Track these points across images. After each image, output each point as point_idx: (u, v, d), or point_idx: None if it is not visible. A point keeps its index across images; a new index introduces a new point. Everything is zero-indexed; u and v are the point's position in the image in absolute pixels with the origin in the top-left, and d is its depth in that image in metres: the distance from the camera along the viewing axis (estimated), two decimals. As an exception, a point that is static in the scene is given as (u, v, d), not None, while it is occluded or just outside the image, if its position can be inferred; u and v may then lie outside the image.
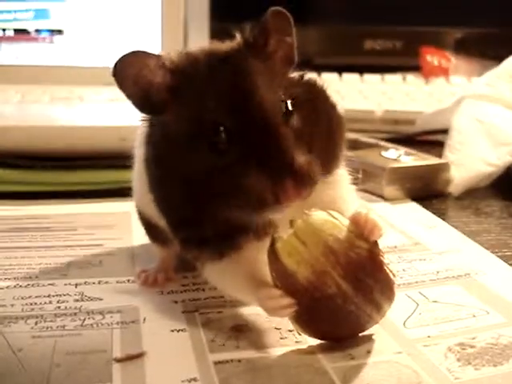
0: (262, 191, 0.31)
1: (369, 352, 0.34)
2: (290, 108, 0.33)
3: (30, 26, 0.82)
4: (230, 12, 1.02)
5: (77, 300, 0.39)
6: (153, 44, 0.81)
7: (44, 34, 0.82)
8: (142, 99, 0.34)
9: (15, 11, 0.81)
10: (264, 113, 0.32)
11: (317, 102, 0.36)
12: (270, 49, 0.35)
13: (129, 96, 0.34)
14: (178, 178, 0.33)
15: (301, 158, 0.31)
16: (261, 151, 0.31)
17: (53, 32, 0.82)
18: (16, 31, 0.81)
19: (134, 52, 0.33)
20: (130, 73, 0.33)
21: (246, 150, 0.31)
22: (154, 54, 0.33)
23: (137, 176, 0.40)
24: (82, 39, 0.82)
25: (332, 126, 0.36)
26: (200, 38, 0.90)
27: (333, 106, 0.37)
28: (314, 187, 0.32)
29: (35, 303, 0.39)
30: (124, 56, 0.33)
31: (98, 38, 0.82)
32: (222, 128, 0.32)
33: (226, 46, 0.36)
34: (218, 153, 0.32)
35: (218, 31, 0.92)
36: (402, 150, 0.65)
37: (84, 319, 0.37)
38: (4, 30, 0.81)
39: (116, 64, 0.33)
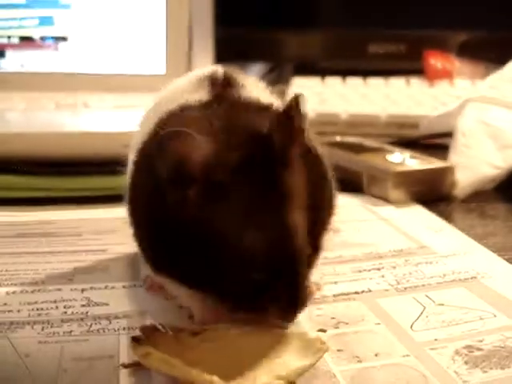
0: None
1: (376, 355, 0.34)
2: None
3: (35, 34, 0.82)
4: (235, 18, 1.02)
5: (83, 305, 0.39)
6: (157, 50, 0.81)
7: (49, 42, 0.82)
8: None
9: (20, 19, 0.81)
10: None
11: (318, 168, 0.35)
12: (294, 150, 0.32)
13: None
14: None
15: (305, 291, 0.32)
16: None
17: (57, 39, 0.82)
18: (21, 39, 0.82)
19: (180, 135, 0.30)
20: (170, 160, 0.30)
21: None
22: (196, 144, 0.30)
23: None
24: (87, 46, 0.82)
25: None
26: (204, 43, 0.90)
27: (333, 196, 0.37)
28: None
29: (41, 308, 0.39)
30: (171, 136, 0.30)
31: (102, 44, 0.82)
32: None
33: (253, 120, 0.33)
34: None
35: (223, 37, 0.93)
36: (407, 153, 0.65)
37: (91, 324, 0.37)
38: (9, 37, 0.82)
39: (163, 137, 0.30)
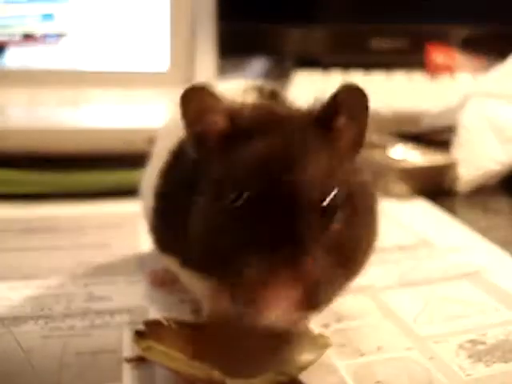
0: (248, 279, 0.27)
1: (379, 349, 0.34)
2: (335, 203, 0.29)
3: (37, 30, 0.82)
4: (237, 13, 1.02)
5: (86, 300, 0.39)
6: (160, 47, 0.81)
7: (51, 38, 0.82)
8: (197, 138, 0.32)
9: (22, 15, 0.81)
10: (297, 197, 0.28)
11: (365, 207, 0.32)
12: (337, 128, 0.31)
13: (189, 128, 0.32)
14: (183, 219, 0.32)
15: (313, 275, 0.27)
16: (275, 243, 0.27)
17: (59, 36, 0.82)
18: (23, 35, 0.82)
19: (201, 88, 0.31)
20: (193, 109, 0.31)
21: (259, 230, 0.28)
22: (219, 97, 0.31)
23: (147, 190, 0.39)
24: (89, 43, 0.82)
25: (367, 248, 0.33)
26: (207, 40, 0.90)
27: (376, 220, 0.34)
28: (309, 315, 0.29)
29: (44, 303, 0.39)
30: (191, 89, 0.31)
31: (105, 41, 0.82)
32: (245, 195, 0.29)
33: (291, 110, 0.33)
34: (231, 216, 0.29)
35: (225, 32, 0.92)
36: (409, 148, 0.65)
37: (93, 319, 0.37)
38: (11, 34, 0.81)
39: (183, 95, 0.31)
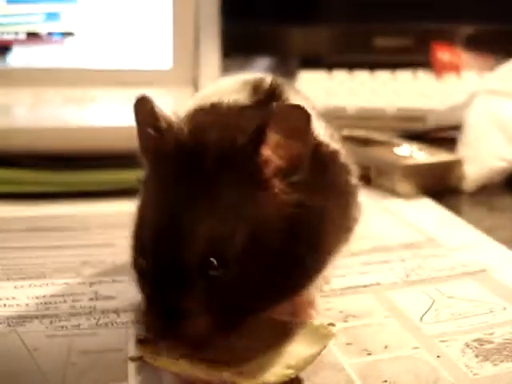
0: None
1: (386, 348, 0.33)
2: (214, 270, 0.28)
3: (42, 29, 0.82)
4: (241, 12, 1.02)
5: (91, 299, 0.39)
6: (164, 44, 0.81)
7: (55, 37, 0.82)
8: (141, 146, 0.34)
9: (27, 14, 0.81)
10: (179, 270, 0.28)
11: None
12: (262, 157, 0.29)
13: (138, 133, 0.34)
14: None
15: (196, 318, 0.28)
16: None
17: (64, 34, 0.82)
18: (28, 34, 0.82)
19: (145, 100, 0.33)
20: (139, 118, 0.34)
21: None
22: (159, 111, 0.32)
23: None
24: (93, 41, 0.82)
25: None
26: (211, 38, 0.90)
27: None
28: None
29: (50, 302, 0.39)
30: (139, 100, 0.33)
31: (108, 39, 0.82)
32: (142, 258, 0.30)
33: (223, 135, 0.30)
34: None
35: (229, 31, 0.92)
36: (415, 146, 0.65)
37: (99, 318, 0.37)
38: (16, 33, 0.82)
39: (135, 103, 0.34)
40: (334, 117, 0.85)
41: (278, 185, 0.30)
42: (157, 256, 0.29)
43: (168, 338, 0.28)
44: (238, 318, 0.29)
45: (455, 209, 0.56)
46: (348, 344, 0.34)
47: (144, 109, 0.33)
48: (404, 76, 0.96)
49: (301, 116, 0.29)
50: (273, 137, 0.29)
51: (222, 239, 0.28)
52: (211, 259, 0.28)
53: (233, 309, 0.29)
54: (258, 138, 0.29)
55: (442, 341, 0.34)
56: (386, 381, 0.30)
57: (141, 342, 0.31)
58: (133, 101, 0.34)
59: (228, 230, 0.28)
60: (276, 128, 0.29)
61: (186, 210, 0.28)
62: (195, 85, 0.82)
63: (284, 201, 0.29)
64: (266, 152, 0.29)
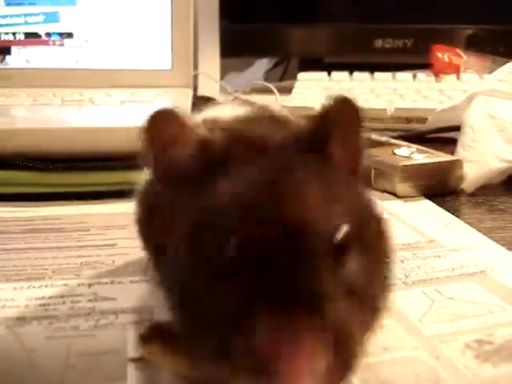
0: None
1: (385, 349, 0.33)
2: (346, 239, 0.24)
3: (41, 30, 0.82)
4: (240, 13, 1.02)
5: (90, 300, 0.39)
6: (163, 45, 0.81)
7: (54, 38, 0.82)
8: (163, 171, 0.28)
9: (25, 15, 0.81)
10: (304, 240, 0.23)
11: (375, 234, 0.28)
12: (332, 151, 0.27)
13: (154, 159, 0.28)
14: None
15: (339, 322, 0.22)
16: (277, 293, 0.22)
17: (63, 35, 0.82)
18: (26, 35, 0.82)
19: (169, 114, 0.27)
20: (159, 137, 0.27)
21: (260, 286, 0.22)
22: (189, 124, 0.27)
23: None
24: (92, 42, 0.82)
25: (385, 280, 0.28)
26: (210, 38, 0.90)
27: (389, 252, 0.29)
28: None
29: (48, 304, 0.39)
30: (158, 115, 0.27)
31: (107, 40, 0.82)
32: (233, 242, 0.23)
33: (276, 134, 0.28)
34: (219, 271, 0.23)
35: (229, 31, 0.92)
36: (415, 147, 0.65)
37: (98, 319, 0.37)
38: (14, 34, 0.82)
39: (148, 121, 0.27)
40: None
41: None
42: (267, 237, 0.23)
43: (314, 331, 0.21)
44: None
45: (455, 210, 0.56)
46: (347, 345, 0.34)
47: (167, 126, 0.27)
48: (404, 77, 0.97)
49: (355, 109, 0.27)
50: (335, 133, 0.27)
51: (339, 219, 0.25)
52: (337, 239, 0.24)
53: (364, 302, 0.25)
54: (324, 132, 0.27)
55: (442, 341, 0.34)
56: (385, 381, 0.30)
57: (143, 338, 0.31)
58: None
59: (340, 213, 0.25)
60: (336, 123, 0.27)
61: (295, 197, 0.24)
62: (195, 85, 0.82)
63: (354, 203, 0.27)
64: (334, 148, 0.27)
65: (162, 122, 0.27)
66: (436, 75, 0.97)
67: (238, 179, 0.25)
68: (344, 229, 0.24)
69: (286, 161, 0.26)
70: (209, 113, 0.35)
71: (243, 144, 0.27)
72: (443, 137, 0.76)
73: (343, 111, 0.27)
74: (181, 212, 0.26)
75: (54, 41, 0.82)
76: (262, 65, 1.17)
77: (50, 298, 0.39)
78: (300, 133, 0.28)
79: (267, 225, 0.23)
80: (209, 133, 0.28)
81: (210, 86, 0.94)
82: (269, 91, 0.92)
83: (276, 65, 1.18)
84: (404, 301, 0.39)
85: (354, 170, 0.28)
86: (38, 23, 0.81)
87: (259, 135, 0.28)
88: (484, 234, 0.50)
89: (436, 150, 0.64)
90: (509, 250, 0.47)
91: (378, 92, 0.91)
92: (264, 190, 0.24)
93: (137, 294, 0.40)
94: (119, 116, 0.68)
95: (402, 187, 0.59)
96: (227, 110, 0.34)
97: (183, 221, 0.26)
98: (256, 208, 0.24)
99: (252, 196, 0.24)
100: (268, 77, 1.14)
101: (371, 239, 0.27)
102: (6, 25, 0.81)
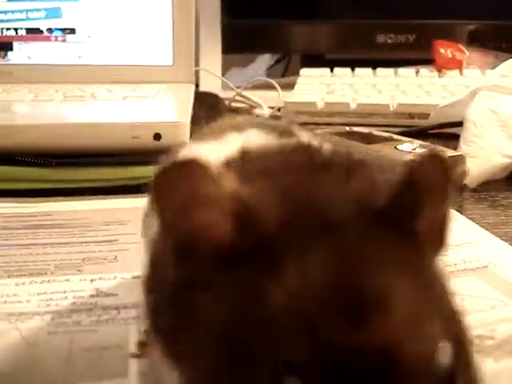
0: None
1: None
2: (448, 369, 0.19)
3: (43, 26, 0.82)
4: (242, 8, 1.02)
5: (92, 296, 0.39)
6: (164, 41, 0.81)
7: (56, 33, 0.82)
8: (183, 247, 0.20)
9: (27, 10, 0.81)
10: (396, 368, 0.17)
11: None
12: (419, 224, 0.21)
13: (169, 230, 0.21)
14: None
15: None
16: None
17: (65, 31, 0.82)
18: (28, 31, 0.82)
19: (191, 166, 0.19)
20: (178, 199, 0.20)
21: None
22: (220, 178, 0.20)
23: None
24: (94, 38, 0.82)
25: None
26: (212, 34, 0.89)
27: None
28: None
29: (51, 299, 0.39)
30: (175, 167, 0.20)
31: (109, 36, 0.82)
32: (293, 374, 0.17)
33: (340, 184, 0.21)
34: None
35: (230, 27, 0.92)
36: (417, 143, 0.65)
37: (100, 315, 0.37)
38: (16, 29, 0.81)
39: (161, 175, 0.20)
40: (336, 113, 0.85)
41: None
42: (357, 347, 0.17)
43: None
44: None
45: (458, 205, 0.56)
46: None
47: (187, 179, 0.19)
48: (406, 72, 0.96)
49: (444, 169, 0.22)
50: (425, 204, 0.21)
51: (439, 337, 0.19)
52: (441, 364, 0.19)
53: None
54: (411, 202, 0.21)
55: (444, 337, 0.34)
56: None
57: (142, 345, 0.31)
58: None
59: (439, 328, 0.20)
60: (425, 190, 0.21)
61: (382, 307, 0.18)
62: (196, 82, 0.82)
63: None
64: (423, 222, 0.21)
65: (179, 179, 0.19)
66: (439, 71, 0.96)
67: (301, 277, 0.18)
68: (447, 350, 0.19)
69: (369, 248, 0.19)
70: (232, 142, 0.26)
71: (300, 210, 0.20)
72: (446, 132, 0.76)
73: (433, 174, 0.21)
74: (207, 309, 0.19)
75: (56, 36, 0.82)
76: (264, 61, 1.16)
77: (52, 293, 0.39)
78: (379, 197, 0.21)
79: (346, 355, 0.17)
80: (245, 186, 0.20)
81: (211, 82, 0.93)
82: (271, 87, 0.92)
83: (278, 61, 1.18)
84: (406, 296, 0.39)
85: (437, 249, 0.23)
86: (39, 19, 0.81)
87: (323, 198, 0.20)
88: (487, 230, 0.50)
89: (439, 145, 0.64)
90: (511, 245, 0.47)
91: (381, 88, 0.91)
92: (340, 295, 0.18)
93: (139, 289, 0.40)
94: (121, 112, 0.68)
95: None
96: (256, 138, 0.26)
97: (211, 327, 0.19)
98: (330, 328, 0.17)
99: (316, 304, 0.17)
100: (270, 73, 1.14)
101: (468, 357, 0.21)
102: (8, 20, 0.81)
